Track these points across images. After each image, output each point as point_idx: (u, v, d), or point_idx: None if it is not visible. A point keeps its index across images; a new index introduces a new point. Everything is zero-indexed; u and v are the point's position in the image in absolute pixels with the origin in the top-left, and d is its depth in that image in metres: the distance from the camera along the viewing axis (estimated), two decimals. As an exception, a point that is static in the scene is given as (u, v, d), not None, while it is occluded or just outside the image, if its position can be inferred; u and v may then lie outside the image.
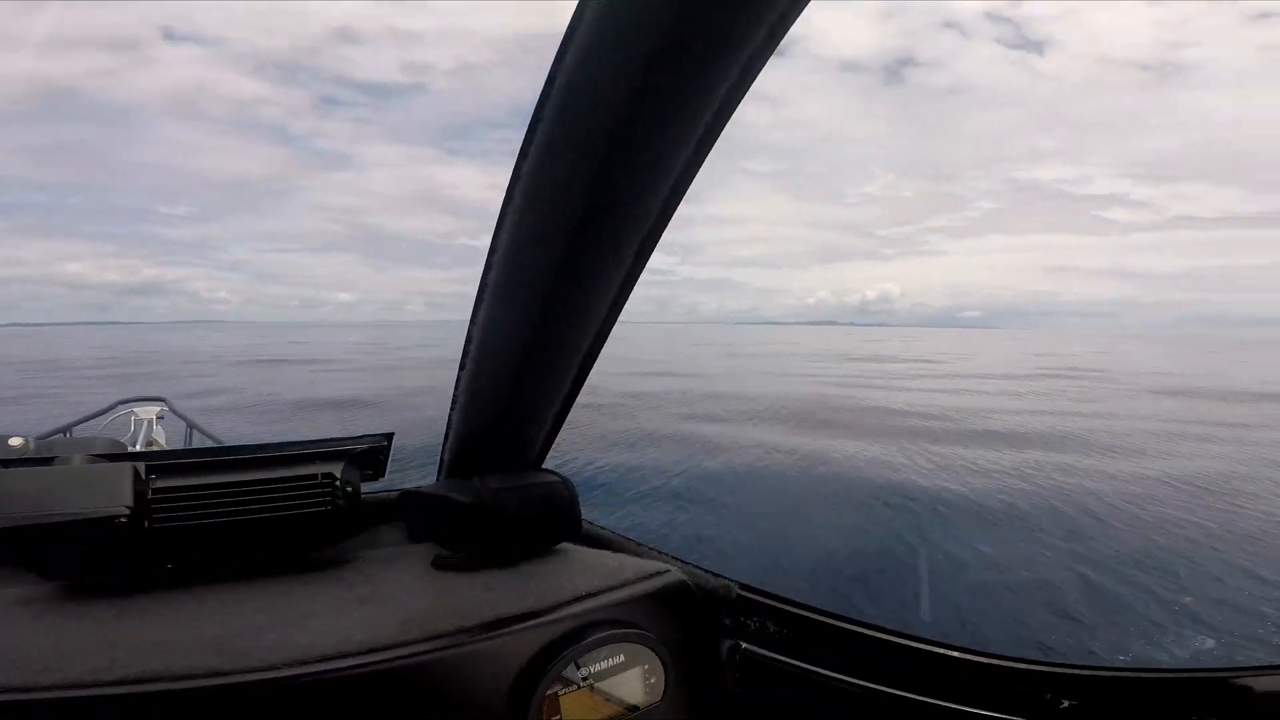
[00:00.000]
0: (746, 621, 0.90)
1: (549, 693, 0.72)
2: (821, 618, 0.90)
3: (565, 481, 0.95)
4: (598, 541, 1.03)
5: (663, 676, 0.82)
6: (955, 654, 0.84)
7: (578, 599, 0.80)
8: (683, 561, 0.96)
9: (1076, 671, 0.81)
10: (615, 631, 0.78)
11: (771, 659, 0.88)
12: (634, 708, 0.79)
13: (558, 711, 0.73)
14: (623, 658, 0.78)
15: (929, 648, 0.85)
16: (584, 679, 0.75)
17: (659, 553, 0.99)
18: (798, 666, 0.88)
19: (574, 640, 0.75)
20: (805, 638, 0.89)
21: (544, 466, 1.01)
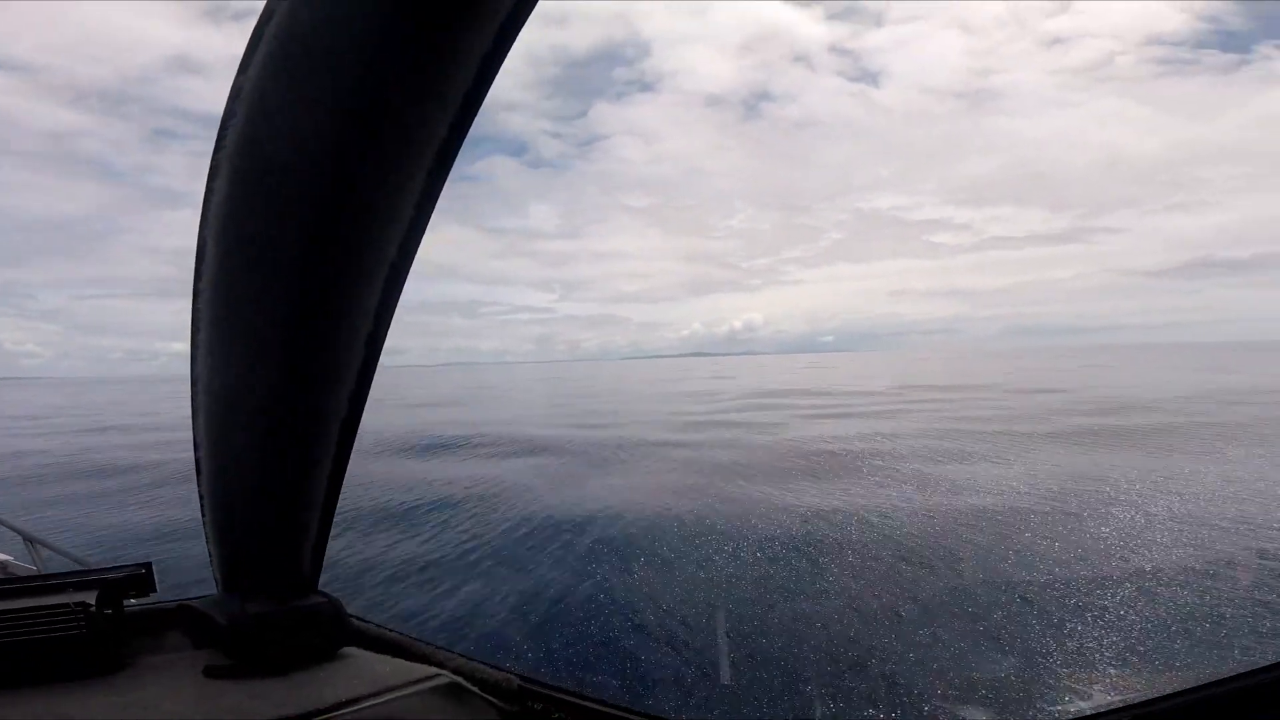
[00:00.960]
0: (532, 705, 0.95)
1: None
2: (607, 709, 0.97)
3: (333, 602, 0.99)
4: (377, 643, 1.07)
5: None
6: None
7: (339, 706, 0.83)
8: (464, 656, 1.02)
9: None
10: None
11: None
12: None
13: None
14: None
15: None
16: None
17: (439, 648, 1.04)
18: None
19: None
20: None
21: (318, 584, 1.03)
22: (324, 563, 1.00)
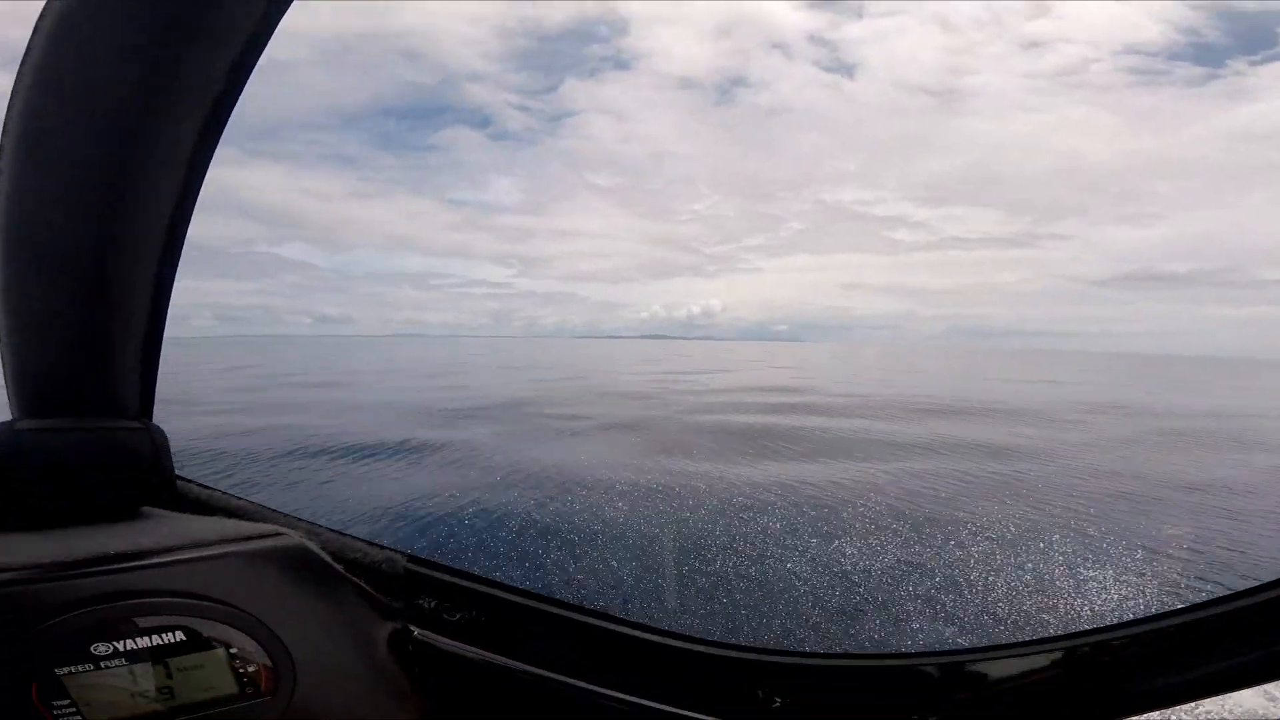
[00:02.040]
0: (421, 603, 0.77)
1: (58, 670, 0.57)
2: (514, 597, 0.79)
3: (149, 429, 0.75)
4: (204, 507, 0.82)
5: (265, 665, 0.66)
6: (659, 639, 0.77)
7: (120, 558, 0.61)
8: (337, 532, 0.80)
9: (786, 660, 0.77)
10: (164, 600, 0.62)
11: (450, 648, 0.75)
12: (216, 701, 0.64)
13: (66, 696, 0.57)
14: (181, 636, 0.63)
15: (635, 633, 0.77)
16: (112, 657, 0.59)
17: (291, 517, 0.82)
18: (481, 657, 0.75)
19: (93, 605, 0.59)
20: (495, 620, 0.77)
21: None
22: (155, 397, 0.77)
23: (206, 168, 0.69)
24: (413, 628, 0.76)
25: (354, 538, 0.81)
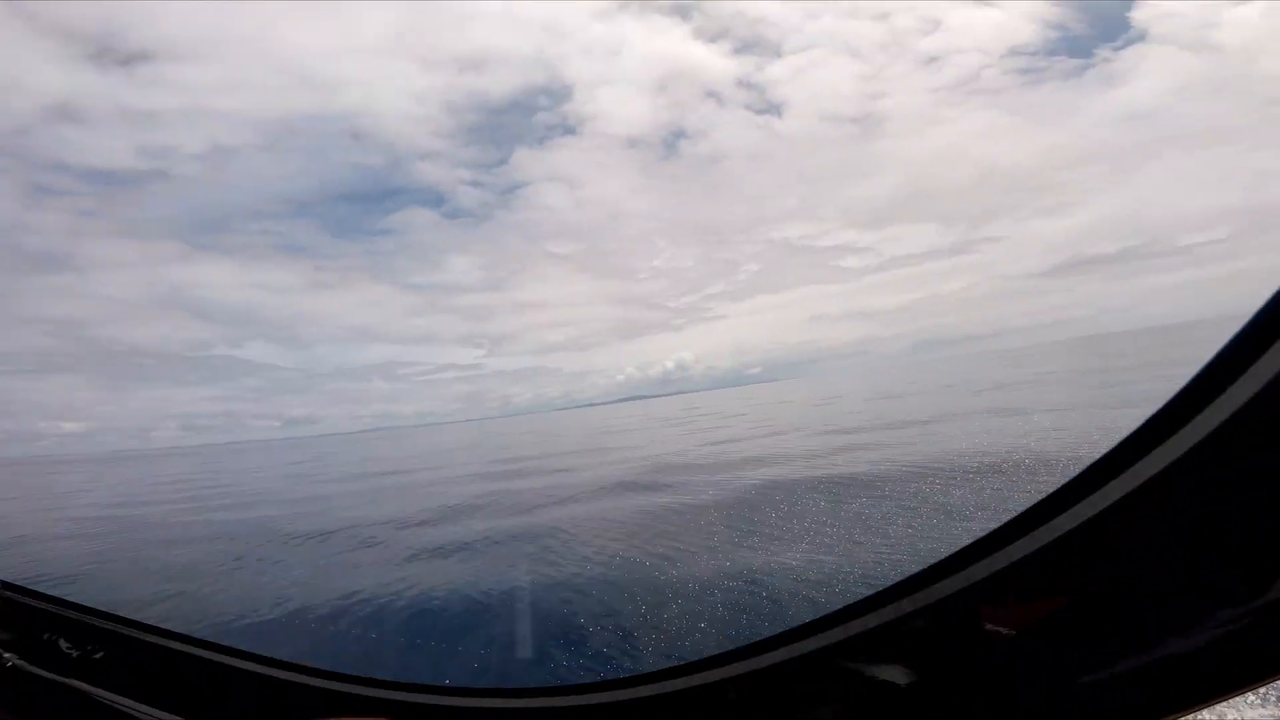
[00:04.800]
0: (23, 633, 0.77)
1: None
2: (128, 630, 0.80)
3: None
4: None
5: None
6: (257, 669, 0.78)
7: None
8: None
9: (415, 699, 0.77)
10: None
11: (51, 680, 0.74)
12: None
13: None
14: None
15: (245, 665, 0.78)
16: None
17: None
18: (83, 691, 0.74)
19: None
20: (111, 654, 0.77)
21: None
22: None
23: None
24: (7, 656, 0.74)
25: None
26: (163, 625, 0.82)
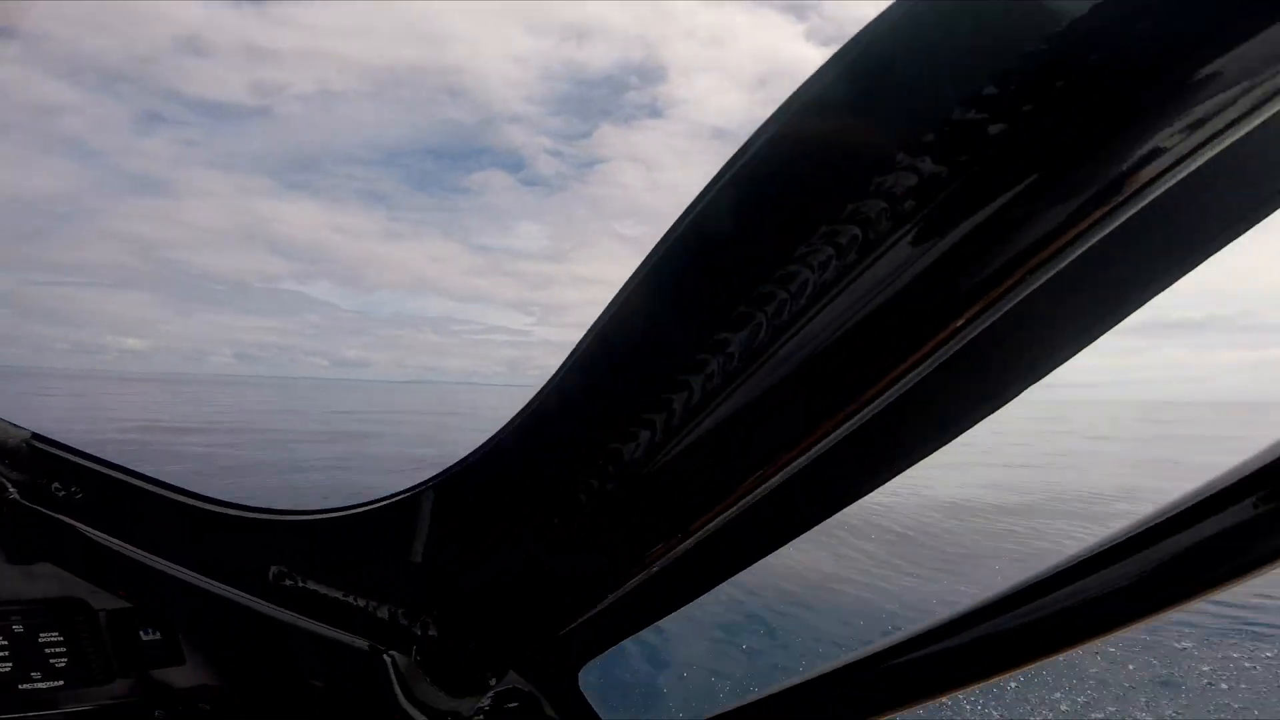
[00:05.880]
0: (51, 485, 0.76)
1: None
2: (151, 487, 0.81)
3: None
4: None
5: None
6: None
7: None
8: None
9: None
10: None
11: (72, 528, 0.74)
12: None
13: None
14: None
15: (217, 509, 0.80)
16: None
17: None
18: (101, 540, 0.75)
19: None
20: (130, 507, 0.77)
21: None
22: None
23: None
24: (16, 496, 0.75)
25: None
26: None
